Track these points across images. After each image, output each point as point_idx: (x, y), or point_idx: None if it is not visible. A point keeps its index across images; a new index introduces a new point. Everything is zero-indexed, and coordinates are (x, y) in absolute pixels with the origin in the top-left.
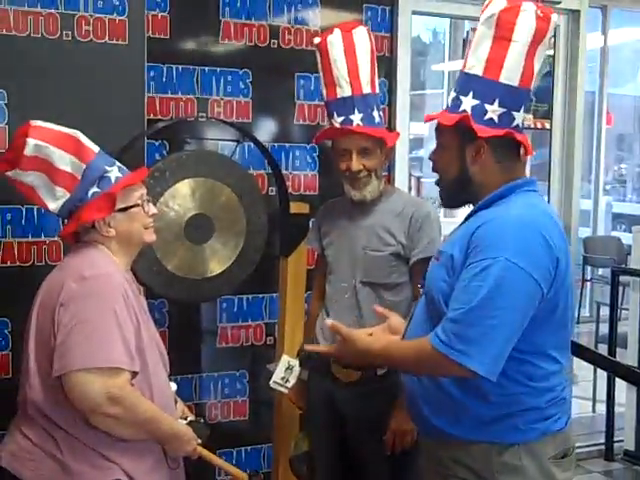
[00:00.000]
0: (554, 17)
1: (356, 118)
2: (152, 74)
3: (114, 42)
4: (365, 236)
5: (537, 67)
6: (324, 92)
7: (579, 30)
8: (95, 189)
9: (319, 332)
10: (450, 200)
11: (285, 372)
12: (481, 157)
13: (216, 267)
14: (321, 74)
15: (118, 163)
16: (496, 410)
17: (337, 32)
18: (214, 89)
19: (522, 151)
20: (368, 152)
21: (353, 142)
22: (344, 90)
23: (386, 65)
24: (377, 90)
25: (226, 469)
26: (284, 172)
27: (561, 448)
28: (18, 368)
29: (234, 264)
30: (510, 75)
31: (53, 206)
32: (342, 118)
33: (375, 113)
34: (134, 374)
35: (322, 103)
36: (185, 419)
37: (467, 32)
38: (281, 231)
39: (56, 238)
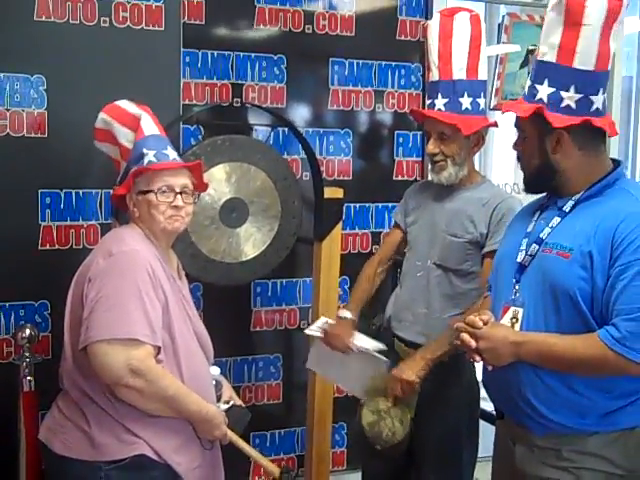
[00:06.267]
0: None
1: (439, 103)
2: (187, 59)
3: (150, 28)
4: (447, 219)
5: (614, 47)
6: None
7: None
8: (134, 168)
9: (391, 301)
10: (534, 187)
11: (322, 325)
12: (561, 147)
13: (250, 251)
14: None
15: (167, 150)
16: (622, 400)
17: (436, 16)
18: (249, 74)
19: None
20: (445, 137)
21: (432, 125)
22: (434, 74)
23: (421, 50)
24: (481, 77)
25: (259, 461)
26: (318, 157)
27: None
28: (58, 349)
29: (268, 248)
30: (584, 60)
31: (119, 178)
32: (430, 101)
33: (464, 100)
34: (158, 350)
35: (356, 88)
36: (227, 403)
37: (503, 17)
38: (315, 216)
39: (93, 222)
